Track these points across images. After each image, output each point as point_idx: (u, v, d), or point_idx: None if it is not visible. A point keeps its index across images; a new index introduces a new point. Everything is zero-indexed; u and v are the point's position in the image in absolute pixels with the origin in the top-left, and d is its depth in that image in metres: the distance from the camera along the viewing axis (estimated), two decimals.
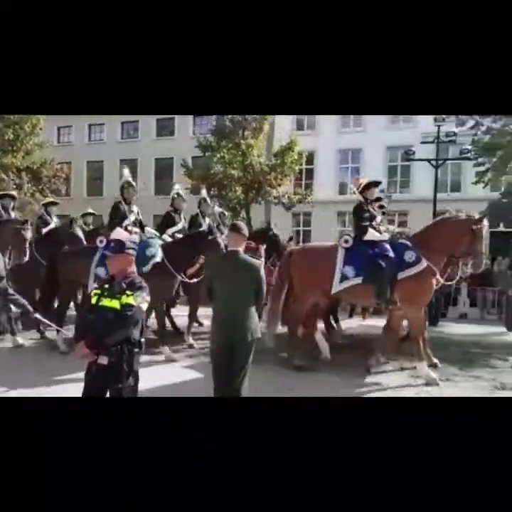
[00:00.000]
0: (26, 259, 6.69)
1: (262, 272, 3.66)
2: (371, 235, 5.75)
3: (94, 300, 3.09)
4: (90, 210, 9.95)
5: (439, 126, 12.86)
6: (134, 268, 3.18)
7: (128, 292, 3.00)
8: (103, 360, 2.92)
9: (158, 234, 7.21)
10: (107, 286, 3.12)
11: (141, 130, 23.97)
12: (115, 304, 2.99)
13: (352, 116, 19.95)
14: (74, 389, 3.18)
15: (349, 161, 20.98)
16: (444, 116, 12.95)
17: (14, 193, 8.34)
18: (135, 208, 6.92)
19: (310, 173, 20.98)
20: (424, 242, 5.53)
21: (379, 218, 6.20)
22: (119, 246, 3.21)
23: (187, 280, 6.50)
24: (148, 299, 3.13)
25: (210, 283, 3.70)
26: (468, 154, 13.31)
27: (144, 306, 3.07)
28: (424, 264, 5.38)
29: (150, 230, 7.27)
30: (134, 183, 6.92)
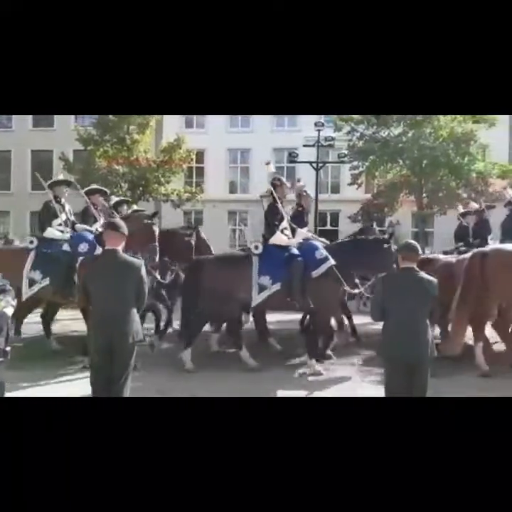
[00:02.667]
0: (157, 259, 5.61)
1: (143, 271, 3.56)
2: None
3: None
4: (122, 198, 8.17)
5: (319, 130, 13.70)
6: None
7: None
8: None
9: None
10: None
11: (15, 120, 21.87)
12: None
13: (240, 116, 20.38)
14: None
15: (238, 160, 21.38)
16: (323, 121, 13.88)
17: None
18: (288, 209, 6.16)
19: (200, 172, 20.97)
20: None
21: None
22: None
23: (350, 290, 5.77)
24: (14, 303, 2.87)
25: (85, 284, 3.51)
26: (345, 158, 14.40)
27: (9, 311, 2.81)
28: None
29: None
30: (284, 180, 6.10)
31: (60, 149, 17.79)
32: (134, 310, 3.52)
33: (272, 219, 5.86)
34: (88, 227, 6.11)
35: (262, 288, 5.62)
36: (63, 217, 6.04)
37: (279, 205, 5.82)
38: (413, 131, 13.49)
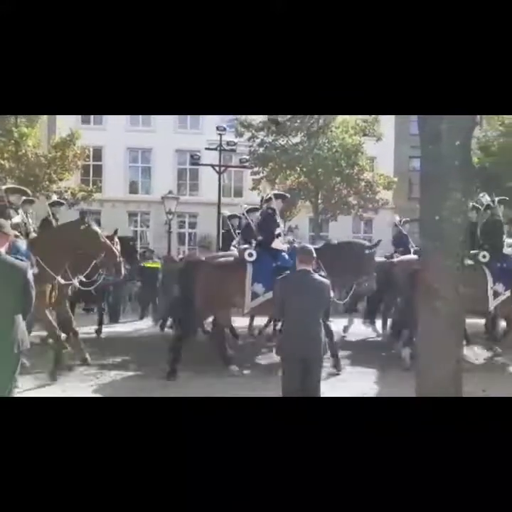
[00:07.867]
0: None
1: (29, 274, 3.31)
2: None
3: None
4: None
5: (220, 135, 13.82)
6: None
7: None
8: None
9: None
10: None
11: None
12: None
13: (141, 115, 19.82)
14: None
15: (139, 160, 20.80)
16: (224, 125, 14.04)
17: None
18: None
19: (98, 170, 20.01)
20: None
21: None
22: None
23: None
24: None
25: None
26: (246, 163, 14.71)
27: None
28: None
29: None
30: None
31: None
32: (19, 316, 3.28)
33: None
34: None
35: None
36: None
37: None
38: (309, 141, 14.19)
